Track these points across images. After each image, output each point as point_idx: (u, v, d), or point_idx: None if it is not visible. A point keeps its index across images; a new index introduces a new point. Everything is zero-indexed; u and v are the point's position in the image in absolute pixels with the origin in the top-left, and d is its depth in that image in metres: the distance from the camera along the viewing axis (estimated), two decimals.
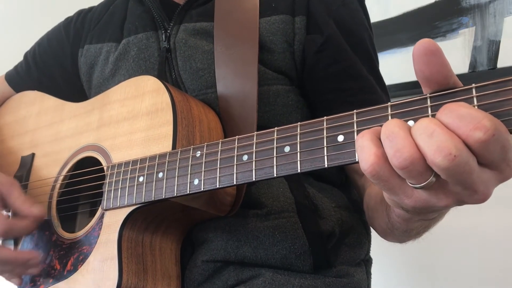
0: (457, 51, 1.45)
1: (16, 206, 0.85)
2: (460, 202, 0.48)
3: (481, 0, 1.43)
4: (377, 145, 0.47)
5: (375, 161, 0.46)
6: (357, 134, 0.53)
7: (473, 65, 1.42)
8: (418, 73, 0.48)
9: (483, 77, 1.37)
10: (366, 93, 0.89)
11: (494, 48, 1.40)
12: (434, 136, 0.43)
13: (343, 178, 0.97)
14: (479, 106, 0.45)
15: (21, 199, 0.86)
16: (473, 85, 0.46)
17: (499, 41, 1.39)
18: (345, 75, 0.89)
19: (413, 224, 0.64)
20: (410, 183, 0.47)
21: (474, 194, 0.46)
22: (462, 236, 1.42)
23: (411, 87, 1.51)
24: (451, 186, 0.46)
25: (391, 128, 0.46)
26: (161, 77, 0.91)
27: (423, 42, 0.46)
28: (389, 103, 0.51)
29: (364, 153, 0.47)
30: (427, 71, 0.47)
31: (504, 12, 1.39)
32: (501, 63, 1.38)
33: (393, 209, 0.63)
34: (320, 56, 0.89)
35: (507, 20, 1.38)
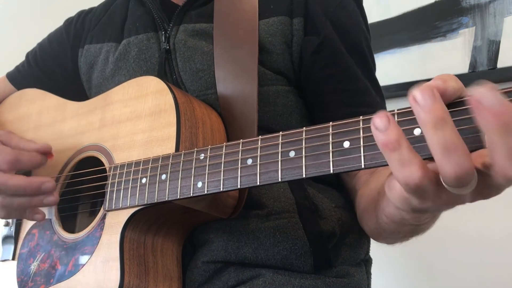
0: (457, 51, 1.46)
1: (20, 145, 0.87)
2: (476, 200, 0.49)
3: (481, 0, 1.43)
4: (415, 155, 0.45)
5: (422, 175, 0.45)
6: (363, 141, 0.53)
7: (473, 65, 1.42)
8: None
9: (483, 77, 1.38)
10: (361, 95, 0.89)
11: (494, 48, 1.40)
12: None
13: (340, 180, 0.97)
14: None
15: (23, 140, 0.88)
16: None
17: (499, 41, 1.39)
18: (340, 77, 0.89)
19: (402, 228, 0.64)
20: (453, 189, 0.46)
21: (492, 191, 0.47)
22: (461, 236, 1.43)
23: (411, 87, 1.50)
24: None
25: (452, 139, 0.43)
26: (162, 78, 0.90)
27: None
28: (395, 111, 0.51)
29: (409, 167, 0.45)
30: None
31: (504, 12, 1.39)
32: (501, 63, 1.39)
33: (383, 209, 0.63)
34: (316, 58, 0.89)
35: (507, 20, 1.39)
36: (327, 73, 0.89)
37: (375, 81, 0.93)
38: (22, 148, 0.86)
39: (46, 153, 0.88)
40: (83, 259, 0.80)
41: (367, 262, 0.95)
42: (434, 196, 0.48)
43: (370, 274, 0.95)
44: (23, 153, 0.84)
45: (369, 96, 0.90)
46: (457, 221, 1.29)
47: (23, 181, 0.82)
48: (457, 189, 0.45)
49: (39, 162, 0.86)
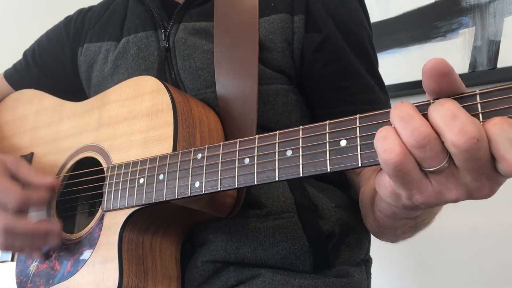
0: (457, 51, 1.45)
1: (28, 178, 0.84)
2: (468, 196, 0.49)
3: (481, 0, 1.43)
4: (398, 136, 0.47)
5: (401, 151, 0.46)
6: (360, 139, 0.53)
7: (473, 65, 1.42)
8: (427, 88, 0.48)
9: (483, 77, 1.38)
10: (364, 93, 0.89)
11: (494, 48, 1.40)
12: (457, 118, 0.44)
13: (343, 178, 0.97)
14: (483, 114, 0.45)
15: (31, 171, 0.85)
16: (477, 91, 0.46)
17: (499, 41, 1.39)
18: (343, 74, 0.89)
19: (397, 222, 0.65)
20: (423, 167, 0.47)
21: (482, 186, 0.47)
22: (461, 236, 1.42)
23: (411, 87, 1.51)
24: (462, 174, 0.47)
25: (406, 110, 0.47)
26: (161, 76, 0.91)
27: (435, 64, 0.46)
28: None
29: (389, 143, 0.47)
30: (437, 88, 0.47)
31: (504, 12, 1.39)
32: (501, 63, 1.39)
33: (377, 204, 0.63)
34: (318, 55, 0.88)
35: (507, 20, 1.39)
36: (329, 70, 0.89)
37: (378, 78, 0.93)
38: (31, 181, 0.84)
39: (54, 188, 0.85)
40: (82, 259, 0.80)
41: (367, 262, 0.95)
42: (416, 186, 0.48)
43: (370, 274, 0.95)
44: (31, 194, 0.82)
45: (372, 93, 0.89)
46: (457, 221, 1.30)
47: (31, 227, 0.80)
48: (428, 166, 0.47)
49: (45, 202, 0.85)
